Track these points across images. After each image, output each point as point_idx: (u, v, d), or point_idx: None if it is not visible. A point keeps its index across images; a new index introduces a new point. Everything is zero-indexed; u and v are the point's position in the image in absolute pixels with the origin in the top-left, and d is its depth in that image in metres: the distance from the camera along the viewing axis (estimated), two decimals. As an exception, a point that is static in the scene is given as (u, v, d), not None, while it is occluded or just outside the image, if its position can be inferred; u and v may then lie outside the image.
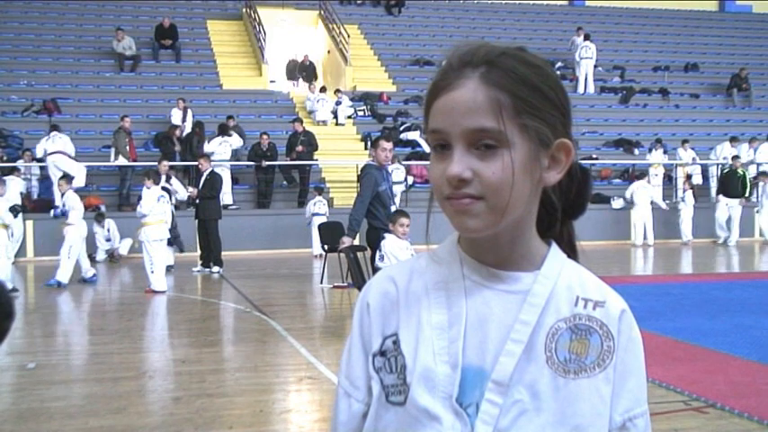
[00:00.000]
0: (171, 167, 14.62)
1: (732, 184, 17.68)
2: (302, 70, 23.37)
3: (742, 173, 17.77)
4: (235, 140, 17.19)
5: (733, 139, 19.75)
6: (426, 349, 1.08)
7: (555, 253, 1.13)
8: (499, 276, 1.10)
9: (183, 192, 14.16)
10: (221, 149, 16.85)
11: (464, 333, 1.08)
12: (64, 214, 11.62)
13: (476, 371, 1.06)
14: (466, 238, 1.12)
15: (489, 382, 1.05)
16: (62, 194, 11.94)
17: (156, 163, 14.30)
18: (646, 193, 17.28)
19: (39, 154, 15.71)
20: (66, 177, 12.44)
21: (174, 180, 14.20)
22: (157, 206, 11.12)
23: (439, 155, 1.06)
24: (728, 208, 17.64)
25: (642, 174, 18.30)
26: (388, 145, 7.91)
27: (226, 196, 16.00)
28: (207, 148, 16.60)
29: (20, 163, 15.72)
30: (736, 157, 18.18)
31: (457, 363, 1.06)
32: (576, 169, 1.14)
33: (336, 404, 1.18)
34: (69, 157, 15.76)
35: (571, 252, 1.17)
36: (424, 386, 1.06)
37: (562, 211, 1.16)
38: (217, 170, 15.91)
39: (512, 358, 1.05)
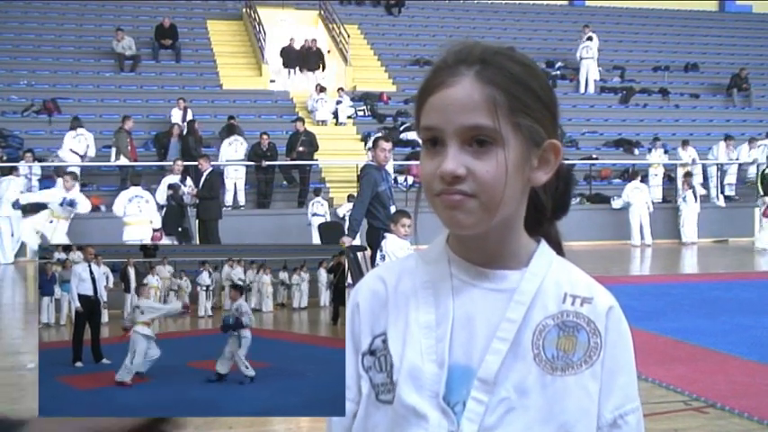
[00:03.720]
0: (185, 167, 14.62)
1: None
2: (306, 58, 22.40)
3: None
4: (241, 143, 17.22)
5: (728, 138, 19.73)
6: (413, 348, 1.08)
7: (543, 250, 1.14)
8: (487, 275, 1.10)
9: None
10: (231, 150, 16.89)
11: (451, 332, 1.08)
12: (71, 204, 11.65)
13: (463, 369, 1.07)
14: (455, 238, 1.13)
15: (475, 381, 1.06)
16: (67, 190, 11.96)
17: (162, 162, 14.37)
18: (640, 193, 17.28)
19: (63, 152, 15.96)
20: (72, 174, 12.47)
21: (188, 180, 14.19)
22: (129, 207, 11.14)
23: (430, 151, 1.07)
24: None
25: (635, 174, 18.29)
26: (387, 145, 7.92)
27: (240, 193, 16.74)
28: (222, 152, 16.77)
29: (21, 163, 15.72)
30: None
31: (444, 361, 1.07)
32: (563, 169, 1.15)
33: None
34: (81, 158, 16.12)
35: (558, 251, 1.17)
36: (412, 384, 1.07)
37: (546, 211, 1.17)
38: (229, 171, 15.93)
39: (497, 356, 1.06)
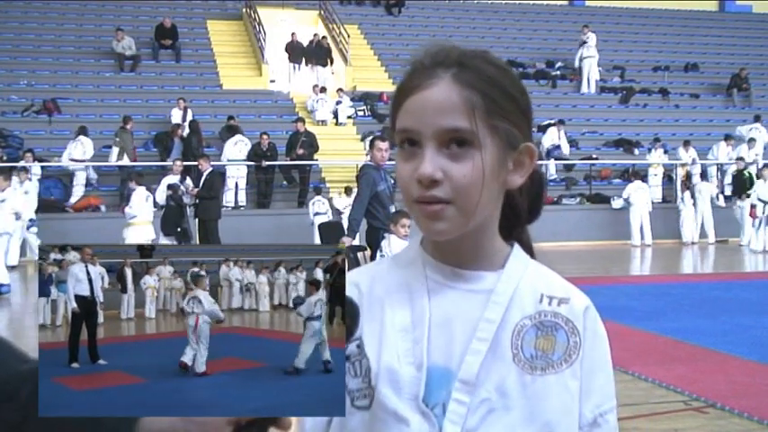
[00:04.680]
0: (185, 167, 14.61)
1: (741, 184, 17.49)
2: (315, 53, 22.21)
3: (748, 174, 17.61)
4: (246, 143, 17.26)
5: (727, 138, 19.72)
6: (390, 351, 1.08)
7: (518, 253, 1.15)
8: (463, 276, 1.11)
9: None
10: (235, 150, 16.89)
11: (428, 333, 1.08)
12: None
13: (442, 371, 1.06)
14: (430, 240, 1.13)
15: (456, 382, 1.05)
16: (1, 191, 11.22)
17: (162, 162, 14.33)
18: (642, 194, 17.27)
19: (65, 159, 16.20)
20: (5, 174, 11.91)
21: (188, 180, 14.18)
22: (145, 206, 11.08)
23: (406, 153, 1.07)
24: (740, 209, 17.39)
25: (636, 174, 18.27)
26: (385, 145, 7.92)
27: (241, 193, 16.73)
28: (225, 152, 16.75)
29: (21, 163, 15.72)
30: (740, 159, 18.09)
31: (422, 363, 1.06)
32: (537, 173, 1.15)
33: None
34: (84, 163, 16.21)
35: (530, 254, 1.18)
36: (390, 388, 1.06)
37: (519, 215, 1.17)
38: (230, 170, 15.90)
39: (477, 357, 1.06)
